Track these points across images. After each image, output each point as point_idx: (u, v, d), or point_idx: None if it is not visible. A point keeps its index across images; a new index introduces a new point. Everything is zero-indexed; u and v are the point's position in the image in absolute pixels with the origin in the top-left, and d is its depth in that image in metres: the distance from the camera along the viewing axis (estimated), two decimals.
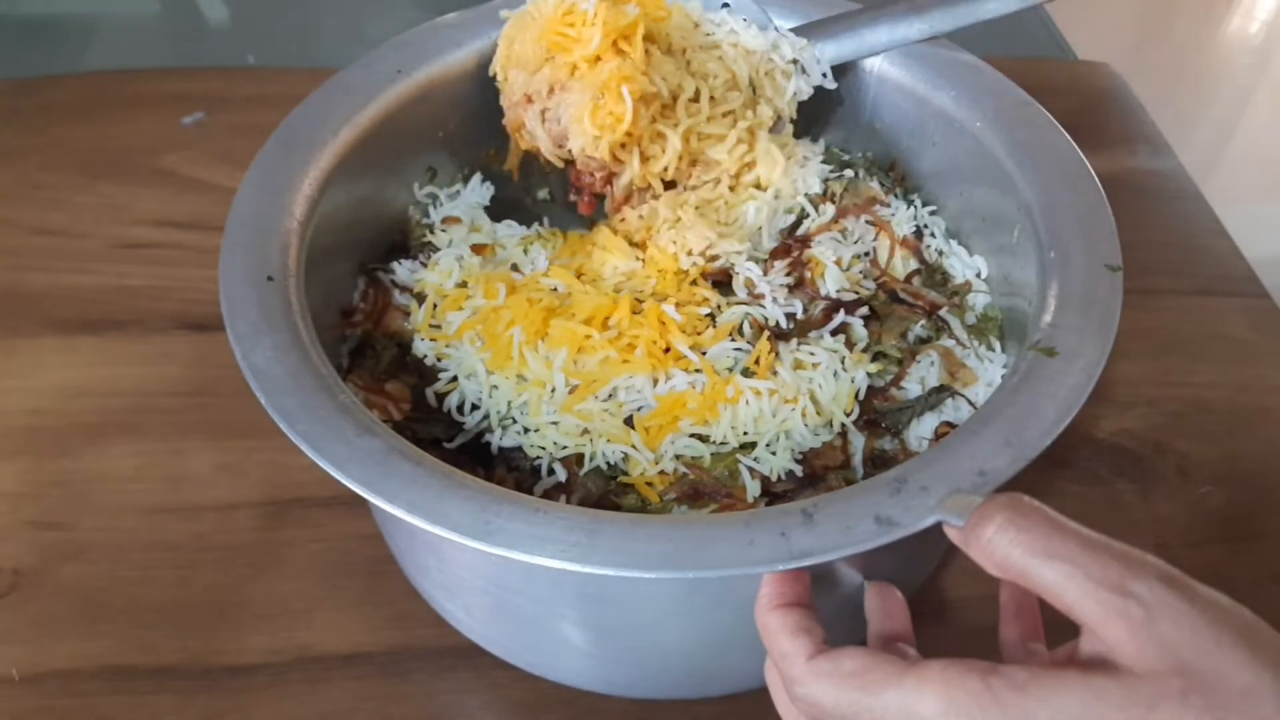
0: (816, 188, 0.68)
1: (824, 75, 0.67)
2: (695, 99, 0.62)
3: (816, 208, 0.68)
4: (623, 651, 0.56)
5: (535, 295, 0.60)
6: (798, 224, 0.68)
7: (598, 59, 0.59)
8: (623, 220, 0.65)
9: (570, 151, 0.62)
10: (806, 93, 0.66)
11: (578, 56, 0.59)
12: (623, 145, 0.60)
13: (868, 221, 0.67)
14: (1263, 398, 0.79)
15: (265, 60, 1.10)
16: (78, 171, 0.91)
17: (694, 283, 0.62)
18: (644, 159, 0.61)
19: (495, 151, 0.71)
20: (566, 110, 0.59)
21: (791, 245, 0.65)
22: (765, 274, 0.63)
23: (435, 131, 0.68)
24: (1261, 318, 0.85)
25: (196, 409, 0.73)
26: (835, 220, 0.67)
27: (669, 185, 0.64)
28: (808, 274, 0.63)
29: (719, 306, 0.61)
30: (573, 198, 0.65)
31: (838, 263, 0.64)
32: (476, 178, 0.70)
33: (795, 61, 0.65)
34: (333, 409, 0.46)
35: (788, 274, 0.64)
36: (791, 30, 0.67)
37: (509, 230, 0.68)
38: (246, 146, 0.59)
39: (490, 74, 0.65)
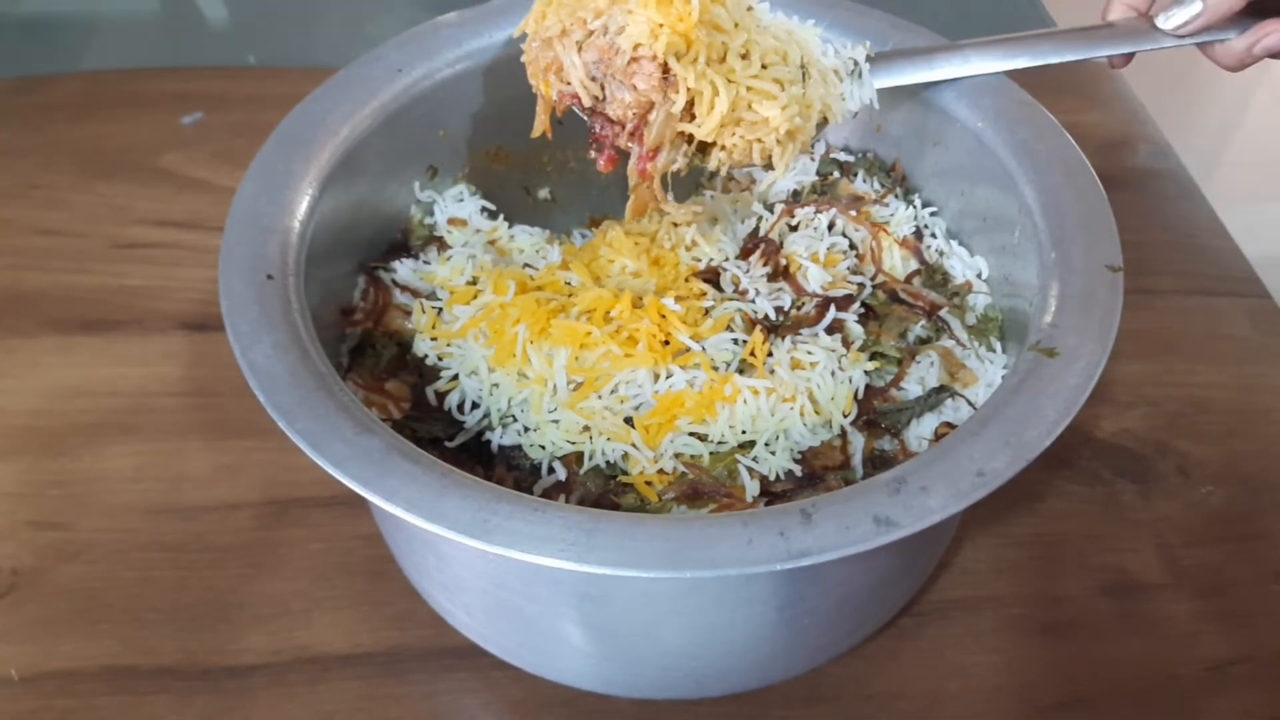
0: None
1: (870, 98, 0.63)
2: (745, 56, 0.57)
3: (771, 208, 0.68)
4: (622, 651, 0.56)
5: (544, 295, 0.60)
6: (757, 228, 0.68)
7: None
8: (645, 206, 0.62)
9: (602, 88, 0.56)
10: (858, 102, 0.62)
11: None
12: (665, 75, 0.54)
13: (851, 217, 0.67)
14: (1264, 397, 0.79)
15: (265, 60, 1.10)
16: (76, 171, 0.91)
17: (686, 280, 0.62)
18: (687, 104, 0.55)
19: (496, 151, 0.71)
20: (621, 14, 0.54)
21: (758, 244, 0.66)
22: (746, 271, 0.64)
23: (435, 131, 0.68)
24: (1262, 318, 0.85)
25: (196, 409, 0.73)
26: (789, 210, 0.67)
27: (702, 148, 0.59)
28: (783, 262, 0.64)
29: (713, 302, 0.61)
30: (592, 154, 0.60)
31: (814, 258, 0.64)
32: (477, 196, 0.70)
33: (856, 65, 0.62)
34: (332, 407, 0.46)
35: (764, 264, 0.64)
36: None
37: (526, 235, 0.68)
38: (246, 146, 0.59)
39: (517, 35, 0.60)
